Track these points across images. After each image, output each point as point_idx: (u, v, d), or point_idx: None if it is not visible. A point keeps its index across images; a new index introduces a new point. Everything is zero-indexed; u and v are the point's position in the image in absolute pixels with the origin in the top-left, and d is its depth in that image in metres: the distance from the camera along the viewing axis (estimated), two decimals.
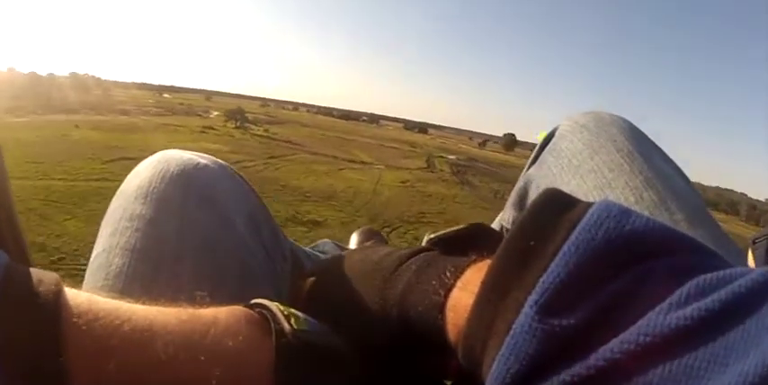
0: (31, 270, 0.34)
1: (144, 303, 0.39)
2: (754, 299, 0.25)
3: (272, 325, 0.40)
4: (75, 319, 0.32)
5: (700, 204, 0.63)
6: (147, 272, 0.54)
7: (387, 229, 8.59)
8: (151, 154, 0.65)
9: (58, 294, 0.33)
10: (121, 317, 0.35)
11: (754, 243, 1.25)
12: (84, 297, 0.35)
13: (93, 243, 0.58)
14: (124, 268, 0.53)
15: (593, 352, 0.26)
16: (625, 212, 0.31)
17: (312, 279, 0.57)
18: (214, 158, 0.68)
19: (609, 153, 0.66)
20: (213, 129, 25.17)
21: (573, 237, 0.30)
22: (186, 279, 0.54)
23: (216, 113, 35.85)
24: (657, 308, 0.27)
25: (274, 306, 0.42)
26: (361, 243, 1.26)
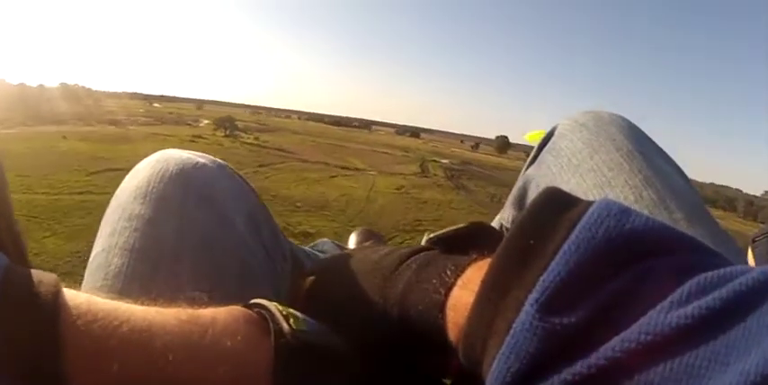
0: (31, 271, 0.34)
1: (143, 303, 0.39)
2: (755, 298, 0.25)
3: (271, 325, 0.40)
4: (74, 320, 0.33)
5: (699, 202, 0.63)
6: (146, 271, 0.53)
7: None
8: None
9: (57, 295, 0.33)
10: (120, 318, 0.35)
11: (753, 241, 1.26)
12: (84, 298, 0.35)
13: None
14: (123, 268, 0.53)
15: (594, 350, 0.26)
16: (625, 211, 0.31)
17: (312, 278, 0.57)
18: (213, 158, 0.67)
19: (608, 152, 0.66)
20: (202, 138, 25.01)
21: (573, 235, 0.30)
22: (185, 278, 0.54)
23: (206, 122, 35.72)
24: (658, 307, 0.27)
25: (273, 306, 0.42)
26: (360, 243, 1.25)
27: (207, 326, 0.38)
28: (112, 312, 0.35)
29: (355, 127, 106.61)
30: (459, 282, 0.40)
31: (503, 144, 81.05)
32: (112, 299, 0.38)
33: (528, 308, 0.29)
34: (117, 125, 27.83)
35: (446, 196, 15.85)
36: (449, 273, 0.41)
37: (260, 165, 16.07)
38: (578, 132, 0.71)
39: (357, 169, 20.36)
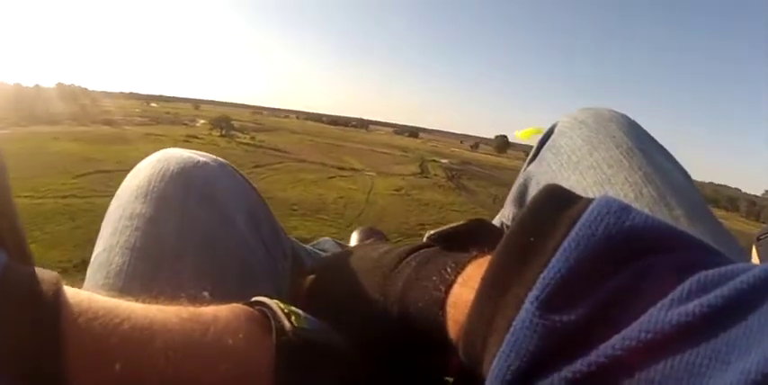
0: (32, 269, 0.34)
1: (144, 301, 0.38)
2: (756, 296, 0.25)
3: (273, 323, 0.39)
4: (74, 318, 0.32)
5: (699, 200, 0.62)
6: (147, 270, 0.52)
7: None
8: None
9: (58, 293, 0.32)
10: (121, 316, 0.34)
11: (758, 240, 1.24)
12: (84, 295, 0.35)
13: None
14: (124, 267, 0.52)
15: (594, 348, 0.26)
16: (625, 209, 0.31)
17: (312, 276, 0.55)
18: (213, 156, 0.64)
19: (608, 149, 0.65)
20: (197, 138, 24.90)
21: (573, 233, 0.30)
22: (186, 277, 0.53)
23: (202, 122, 35.56)
24: (659, 305, 0.26)
25: (274, 304, 0.41)
26: (361, 241, 1.17)
27: (208, 324, 0.37)
28: (113, 310, 0.34)
29: (353, 126, 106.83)
30: (460, 279, 0.39)
31: (502, 143, 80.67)
32: (113, 297, 0.37)
33: (528, 305, 0.28)
34: (112, 125, 27.78)
35: (447, 197, 15.47)
36: (449, 270, 0.40)
37: (255, 166, 15.74)
38: (578, 129, 0.70)
39: (355, 169, 19.94)
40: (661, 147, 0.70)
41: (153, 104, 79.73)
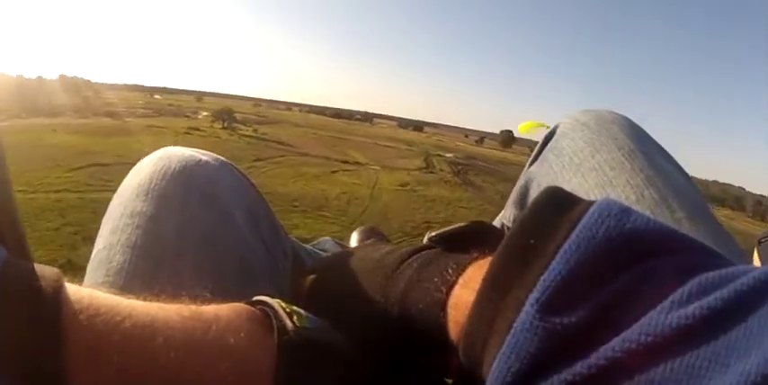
0: (32, 265, 0.34)
1: (145, 299, 0.39)
2: (756, 298, 0.25)
3: (274, 322, 0.40)
4: (75, 315, 0.33)
5: (700, 202, 0.64)
6: (147, 268, 0.54)
7: None
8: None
9: (59, 290, 0.33)
10: (122, 313, 0.35)
11: (759, 243, 1.31)
12: (85, 292, 0.35)
13: None
14: (125, 265, 0.53)
15: (595, 351, 0.27)
16: (626, 211, 0.32)
17: (313, 276, 0.57)
18: (215, 155, 0.67)
19: (610, 151, 0.66)
20: (198, 130, 24.47)
21: (574, 235, 0.31)
22: (187, 275, 0.54)
23: (204, 114, 35.19)
24: (659, 307, 0.27)
25: (276, 303, 0.42)
26: (361, 241, 1.22)
27: (210, 323, 0.38)
28: (114, 307, 0.35)
29: (357, 120, 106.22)
30: (461, 280, 0.39)
31: (507, 138, 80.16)
32: (114, 295, 0.38)
33: (528, 307, 0.29)
34: (113, 117, 27.39)
35: (454, 193, 15.02)
36: (450, 271, 0.41)
37: (256, 160, 15.32)
38: (580, 131, 0.71)
39: (359, 163, 19.50)
40: (662, 149, 0.71)
41: (156, 96, 79.50)
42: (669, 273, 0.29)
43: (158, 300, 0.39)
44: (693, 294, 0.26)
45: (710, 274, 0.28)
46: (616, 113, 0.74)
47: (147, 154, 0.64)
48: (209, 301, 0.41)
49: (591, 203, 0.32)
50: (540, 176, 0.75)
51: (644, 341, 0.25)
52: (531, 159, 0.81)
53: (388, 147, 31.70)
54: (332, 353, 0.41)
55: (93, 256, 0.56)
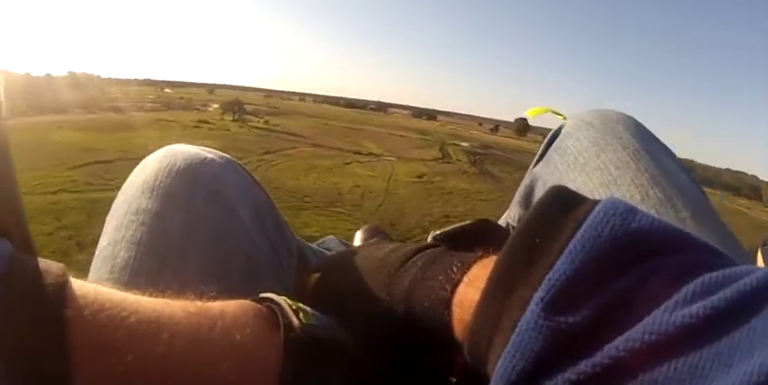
0: (37, 260, 0.34)
1: (150, 295, 0.39)
2: (759, 298, 0.26)
3: (281, 319, 0.41)
4: (80, 311, 0.33)
5: (705, 202, 0.64)
6: (152, 265, 0.54)
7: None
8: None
9: (64, 285, 0.33)
10: (128, 309, 0.35)
11: (764, 245, 1.40)
12: (91, 288, 0.35)
13: None
14: (130, 261, 0.54)
15: (599, 350, 0.27)
16: (631, 210, 0.32)
17: (317, 274, 0.58)
18: (221, 153, 0.67)
19: (615, 151, 0.67)
20: (208, 123, 24.02)
21: (579, 234, 0.31)
22: (192, 273, 0.54)
23: (215, 106, 34.88)
24: (663, 307, 0.27)
25: (282, 300, 0.43)
26: (365, 240, 1.24)
27: (216, 319, 0.38)
28: (120, 303, 0.35)
29: (371, 109, 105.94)
30: (466, 279, 0.40)
31: (522, 126, 79.12)
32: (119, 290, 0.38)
33: (533, 306, 0.29)
34: (120, 112, 27.09)
35: (473, 185, 14.38)
36: (455, 269, 0.41)
37: (266, 152, 14.77)
38: (585, 131, 0.71)
39: (373, 154, 18.90)
40: (666, 148, 0.71)
41: (167, 90, 79.47)
42: (673, 273, 0.29)
43: (164, 297, 0.39)
44: (697, 294, 0.27)
45: (714, 274, 0.28)
46: (621, 113, 0.73)
47: (152, 150, 0.64)
48: (215, 298, 0.41)
49: (596, 202, 0.33)
50: (545, 176, 0.75)
51: (648, 340, 0.25)
52: (536, 159, 0.80)
53: (402, 136, 31.22)
54: (338, 351, 0.41)
55: (97, 253, 0.56)
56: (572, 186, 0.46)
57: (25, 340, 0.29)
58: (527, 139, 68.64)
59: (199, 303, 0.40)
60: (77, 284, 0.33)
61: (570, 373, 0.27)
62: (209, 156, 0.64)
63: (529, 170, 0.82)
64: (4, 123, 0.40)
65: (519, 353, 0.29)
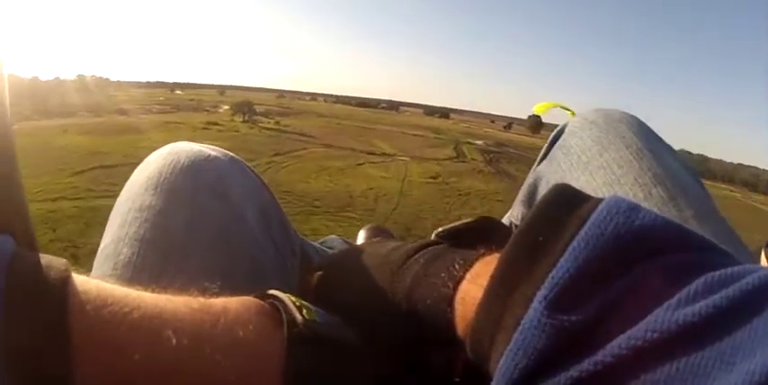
0: (39, 256, 0.34)
1: (153, 291, 0.39)
2: (762, 297, 0.26)
3: (284, 315, 0.41)
4: (83, 306, 0.33)
5: (708, 201, 0.64)
6: (156, 262, 0.54)
7: None
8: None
9: (67, 281, 0.33)
10: (131, 305, 0.35)
11: (767, 246, 1.33)
12: (93, 283, 0.35)
13: None
14: (133, 258, 0.54)
15: (601, 348, 0.27)
16: (634, 208, 0.32)
17: (320, 273, 0.57)
18: (224, 151, 0.67)
19: (618, 149, 0.67)
20: (217, 124, 23.69)
21: (582, 232, 0.31)
22: (195, 270, 0.54)
23: (225, 107, 34.65)
24: (665, 305, 0.27)
25: (286, 297, 0.43)
26: (368, 239, 1.25)
27: (219, 316, 0.38)
28: (123, 299, 0.35)
29: (383, 108, 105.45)
30: (468, 276, 0.40)
31: (536, 123, 78.05)
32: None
33: (536, 304, 0.29)
34: (128, 115, 26.87)
35: (489, 185, 13.83)
36: (457, 267, 0.41)
37: (276, 154, 14.35)
38: (588, 130, 0.71)
39: (386, 154, 18.45)
40: (669, 147, 0.71)
41: (178, 92, 79.47)
42: (675, 271, 0.29)
43: (167, 293, 0.39)
44: (699, 292, 0.27)
45: (717, 273, 0.28)
46: (624, 112, 0.74)
47: None
48: (218, 295, 0.41)
49: (599, 200, 0.33)
50: (549, 174, 0.75)
51: (650, 338, 0.25)
52: (539, 158, 0.81)
53: (415, 135, 30.73)
54: (341, 347, 0.41)
55: (99, 250, 0.56)
56: (575, 185, 0.44)
57: (26, 337, 0.29)
58: (541, 137, 67.75)
59: (202, 299, 0.39)
60: (80, 280, 0.33)
61: (573, 371, 0.27)
62: (213, 153, 0.63)
63: (532, 169, 0.82)
64: (9, 127, 0.40)
65: (522, 351, 0.29)
